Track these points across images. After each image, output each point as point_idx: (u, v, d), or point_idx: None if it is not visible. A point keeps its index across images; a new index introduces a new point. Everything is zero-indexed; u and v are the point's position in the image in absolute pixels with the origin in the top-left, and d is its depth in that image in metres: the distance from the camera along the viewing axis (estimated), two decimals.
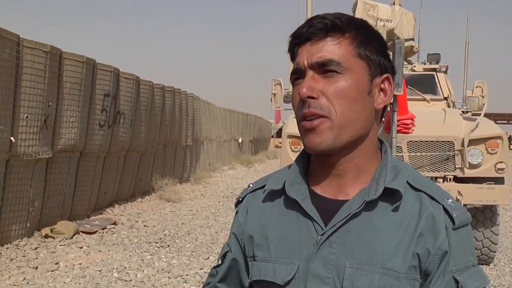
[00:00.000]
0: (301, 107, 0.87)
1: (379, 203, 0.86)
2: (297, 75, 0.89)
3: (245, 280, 0.99)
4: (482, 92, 5.82)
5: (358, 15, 5.79)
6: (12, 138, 5.34)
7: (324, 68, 0.85)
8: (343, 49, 0.86)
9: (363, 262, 0.84)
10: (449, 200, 0.87)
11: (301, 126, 0.88)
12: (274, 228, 0.93)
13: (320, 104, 0.85)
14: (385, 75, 0.90)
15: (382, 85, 0.90)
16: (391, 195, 0.86)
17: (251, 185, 1.03)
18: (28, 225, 5.80)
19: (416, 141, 5.03)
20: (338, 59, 0.85)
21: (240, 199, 1.03)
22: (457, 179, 5.02)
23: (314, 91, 0.85)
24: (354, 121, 0.86)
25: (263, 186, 0.98)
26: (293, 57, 0.91)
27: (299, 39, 0.89)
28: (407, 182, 0.88)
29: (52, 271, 4.87)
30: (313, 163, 0.95)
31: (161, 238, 6.45)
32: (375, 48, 0.89)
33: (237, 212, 1.03)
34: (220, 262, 1.03)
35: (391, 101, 4.79)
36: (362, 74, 0.87)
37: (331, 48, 0.86)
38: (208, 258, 5.61)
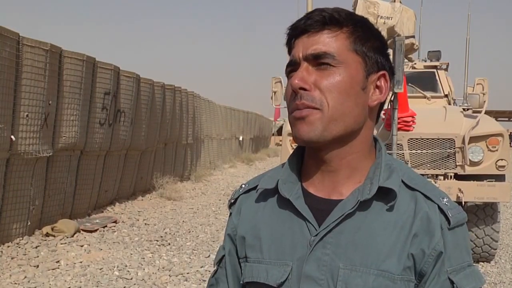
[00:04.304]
0: (293, 98, 0.86)
1: (374, 203, 0.85)
2: (292, 67, 0.88)
3: None
4: (483, 89, 5.80)
5: (359, 12, 5.78)
6: (12, 137, 5.34)
7: (318, 60, 0.84)
8: (339, 42, 0.85)
9: (357, 263, 0.82)
10: (445, 200, 0.85)
11: (292, 117, 0.86)
12: (267, 228, 0.91)
13: (312, 96, 0.83)
14: (381, 72, 0.89)
15: (378, 82, 0.89)
16: (385, 195, 0.84)
17: (243, 185, 1.01)
18: (29, 223, 5.81)
19: (416, 139, 5.03)
20: (333, 52, 0.84)
21: (233, 200, 1.01)
22: (457, 177, 5.02)
23: (307, 83, 0.84)
24: (345, 115, 0.84)
25: (256, 186, 0.97)
26: (290, 50, 0.90)
27: (296, 31, 0.88)
28: (402, 181, 0.86)
29: (53, 269, 4.87)
30: (306, 161, 0.93)
31: (162, 236, 6.46)
32: (373, 46, 0.87)
33: (230, 213, 1.01)
34: (215, 267, 1.01)
35: (391, 99, 4.78)
36: (357, 69, 0.85)
37: (327, 41, 0.84)
38: (209, 256, 5.62)
